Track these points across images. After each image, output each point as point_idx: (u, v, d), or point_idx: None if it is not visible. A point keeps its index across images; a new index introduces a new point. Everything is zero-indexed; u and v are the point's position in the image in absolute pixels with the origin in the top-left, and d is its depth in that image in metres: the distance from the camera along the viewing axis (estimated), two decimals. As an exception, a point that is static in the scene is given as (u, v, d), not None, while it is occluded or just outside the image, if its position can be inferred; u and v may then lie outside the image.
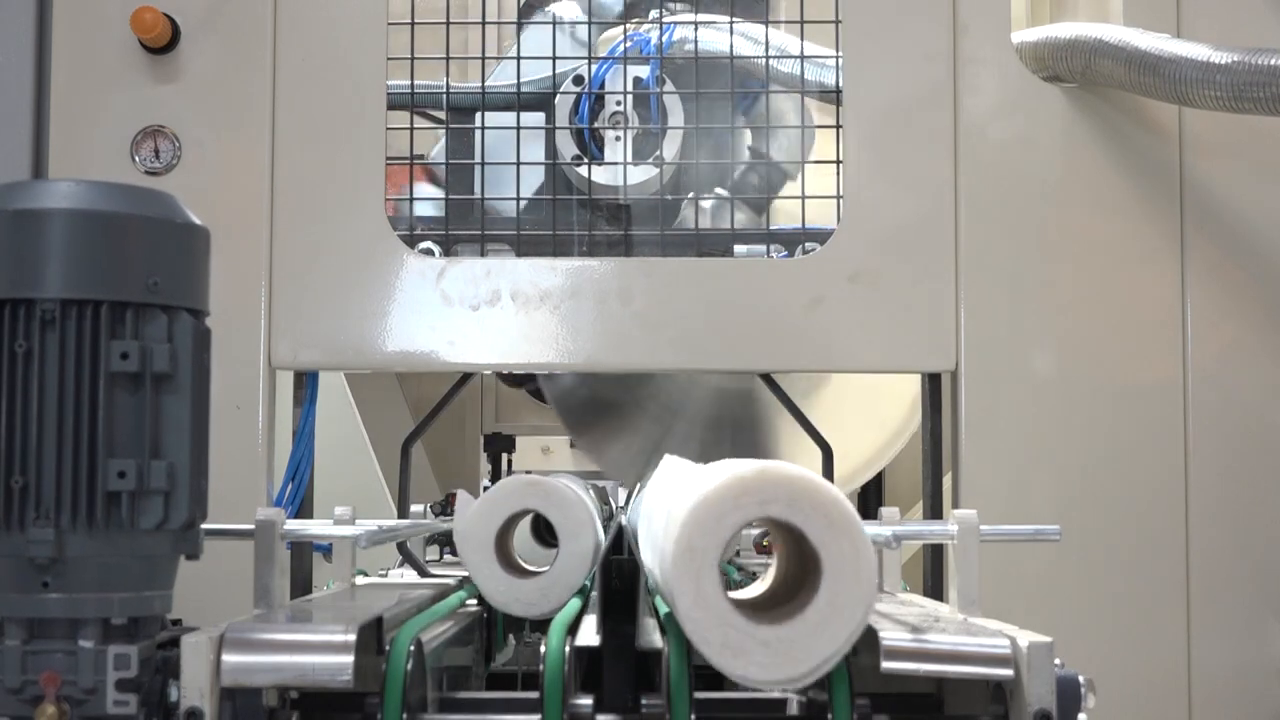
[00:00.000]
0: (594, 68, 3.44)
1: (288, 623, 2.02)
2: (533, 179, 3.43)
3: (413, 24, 3.32)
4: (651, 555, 1.85)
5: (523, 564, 2.32)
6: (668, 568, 1.57)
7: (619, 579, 2.38)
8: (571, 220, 3.40)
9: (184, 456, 1.83)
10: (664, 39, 3.42)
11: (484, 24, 3.40)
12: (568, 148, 3.44)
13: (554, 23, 3.44)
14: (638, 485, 3.77)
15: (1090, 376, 3.21)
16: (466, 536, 2.22)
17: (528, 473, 3.72)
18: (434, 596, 2.59)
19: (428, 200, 3.46)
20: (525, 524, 3.10)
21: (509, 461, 5.72)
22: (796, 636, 1.55)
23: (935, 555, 3.22)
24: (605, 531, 3.00)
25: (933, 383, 3.27)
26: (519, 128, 3.37)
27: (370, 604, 2.28)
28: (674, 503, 1.64)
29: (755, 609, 1.62)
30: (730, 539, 1.56)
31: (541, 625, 2.27)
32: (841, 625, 1.56)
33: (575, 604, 2.26)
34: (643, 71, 3.42)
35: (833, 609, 1.55)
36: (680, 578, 1.54)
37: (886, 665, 1.83)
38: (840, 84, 3.25)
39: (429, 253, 3.28)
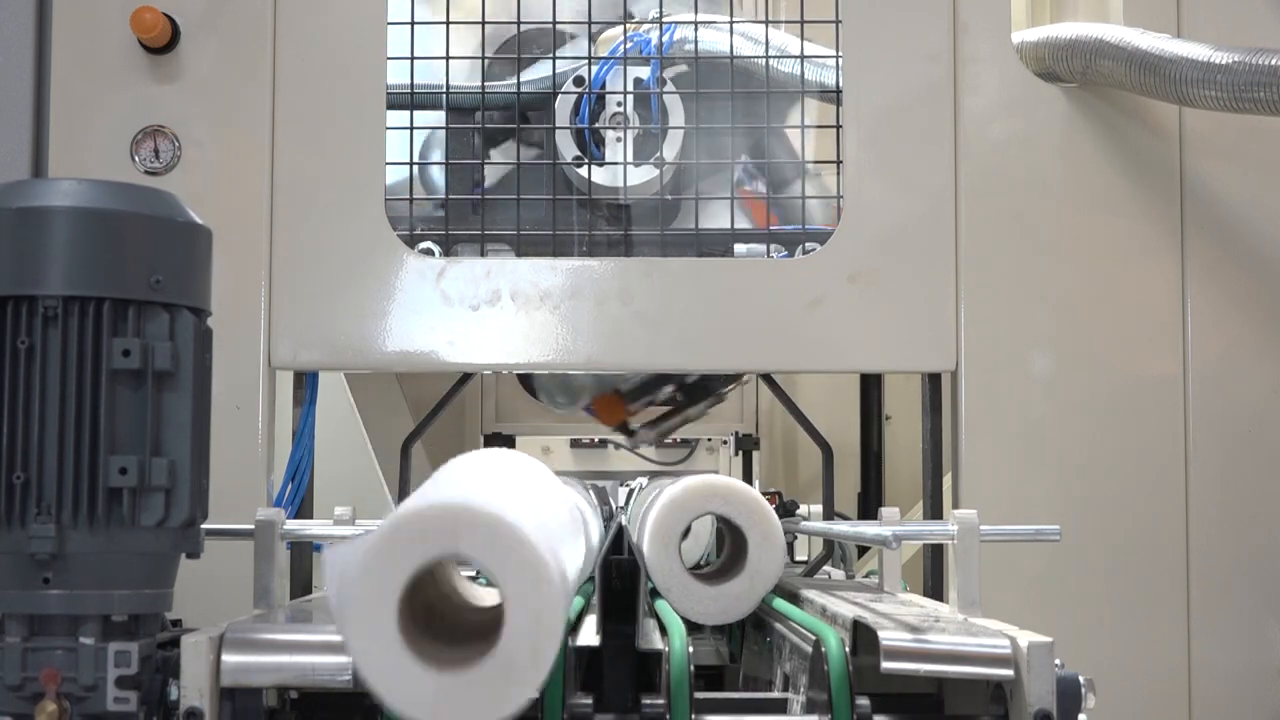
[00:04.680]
0: (594, 68, 3.44)
1: (288, 623, 2.02)
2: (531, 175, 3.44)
3: (412, 24, 3.32)
4: (639, 546, 2.53)
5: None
6: (647, 555, 2.45)
7: (619, 579, 2.38)
8: (571, 220, 3.40)
9: (185, 454, 1.83)
10: (664, 39, 3.42)
11: (484, 24, 3.40)
12: (568, 148, 3.44)
13: (554, 23, 3.44)
14: (637, 486, 3.77)
15: (1090, 376, 3.21)
16: (343, 614, 1.42)
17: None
18: (434, 596, 2.59)
19: (428, 200, 3.46)
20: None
21: (508, 462, 5.70)
22: (734, 591, 2.45)
23: (935, 555, 3.21)
24: (605, 532, 3.00)
25: (933, 383, 3.27)
26: (519, 127, 3.37)
27: (370, 603, 2.27)
28: (651, 509, 2.47)
29: (709, 577, 2.52)
30: (685, 528, 2.48)
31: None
32: (763, 584, 2.45)
33: (576, 604, 2.26)
34: (643, 72, 3.42)
35: (757, 573, 2.45)
36: (654, 563, 2.45)
37: (886, 665, 1.83)
38: (840, 84, 3.25)
39: (429, 253, 3.27)
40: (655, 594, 2.50)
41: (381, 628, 1.41)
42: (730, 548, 2.72)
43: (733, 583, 2.45)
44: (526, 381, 4.46)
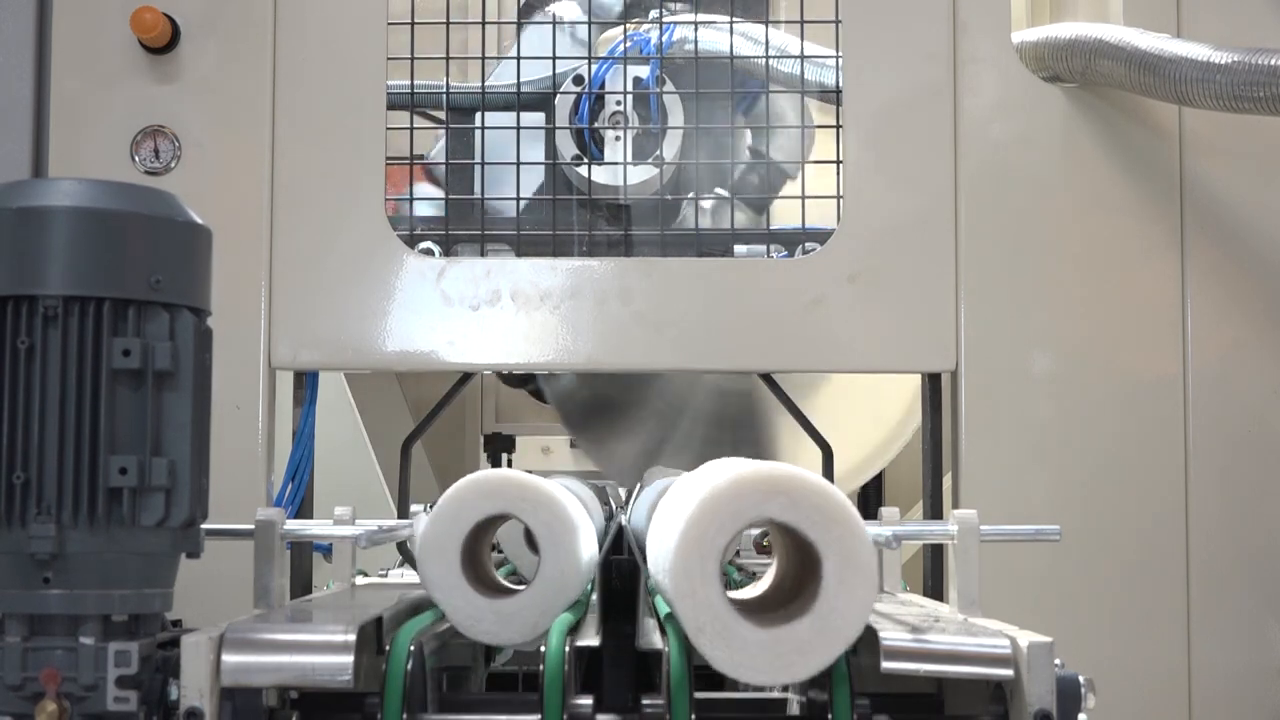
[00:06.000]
0: (594, 68, 3.44)
1: (288, 623, 2.02)
2: (532, 179, 3.43)
3: (413, 24, 3.32)
4: (655, 559, 1.84)
5: (502, 581, 2.19)
6: (670, 576, 1.60)
7: (619, 579, 2.37)
8: (571, 220, 3.40)
9: (185, 454, 1.83)
10: (664, 39, 3.42)
11: (484, 24, 3.40)
12: (568, 148, 3.44)
13: (554, 23, 3.44)
14: (638, 484, 3.76)
15: (1090, 376, 3.21)
16: (425, 547, 1.86)
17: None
18: (434, 596, 2.59)
19: (428, 200, 3.46)
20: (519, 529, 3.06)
21: (509, 462, 5.71)
22: (794, 639, 1.57)
23: (935, 555, 3.21)
24: (605, 532, 3.00)
25: (933, 383, 3.27)
26: (519, 128, 3.37)
27: (370, 604, 2.27)
28: (677, 507, 1.67)
29: (754, 610, 1.65)
30: (732, 542, 1.60)
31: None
32: (839, 633, 1.58)
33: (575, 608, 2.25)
34: (643, 71, 3.42)
35: (832, 613, 1.58)
36: (680, 586, 1.58)
37: (886, 665, 1.83)
38: (840, 84, 3.25)
39: (429, 253, 3.27)
40: (669, 619, 2.40)
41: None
42: (786, 568, 1.91)
43: (795, 625, 1.58)
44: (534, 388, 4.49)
